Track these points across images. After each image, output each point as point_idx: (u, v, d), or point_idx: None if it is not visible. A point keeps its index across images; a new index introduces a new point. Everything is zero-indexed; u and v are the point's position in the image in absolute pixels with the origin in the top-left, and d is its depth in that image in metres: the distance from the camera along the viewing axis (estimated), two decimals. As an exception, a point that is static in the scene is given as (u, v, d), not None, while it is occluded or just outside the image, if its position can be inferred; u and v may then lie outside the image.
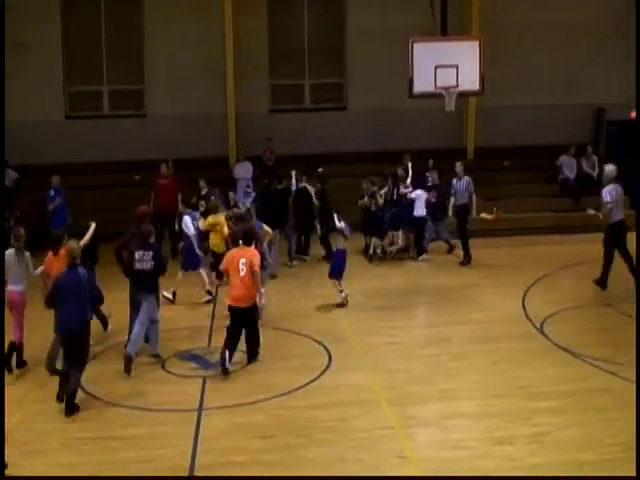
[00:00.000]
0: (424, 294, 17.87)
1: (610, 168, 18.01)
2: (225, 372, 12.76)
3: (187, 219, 17.78)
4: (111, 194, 23.97)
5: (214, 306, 16.91)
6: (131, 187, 24.44)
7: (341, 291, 16.90)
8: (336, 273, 16.97)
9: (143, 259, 13.44)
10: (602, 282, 17.32)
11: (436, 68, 17.56)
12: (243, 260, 13.29)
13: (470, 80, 17.87)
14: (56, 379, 12.00)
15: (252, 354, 13.51)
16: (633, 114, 26.48)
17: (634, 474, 8.71)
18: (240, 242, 13.80)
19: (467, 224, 21.03)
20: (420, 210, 21.01)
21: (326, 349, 13.99)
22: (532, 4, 26.28)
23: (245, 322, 13.35)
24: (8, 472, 9.41)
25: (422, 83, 17.71)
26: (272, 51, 27.04)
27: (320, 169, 22.44)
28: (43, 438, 10.73)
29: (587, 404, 11.35)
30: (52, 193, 21.66)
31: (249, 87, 26.29)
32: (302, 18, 27.30)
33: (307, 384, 12.40)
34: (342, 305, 16.80)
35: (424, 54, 17.65)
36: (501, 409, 11.29)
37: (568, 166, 25.69)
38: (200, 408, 11.60)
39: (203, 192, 21.20)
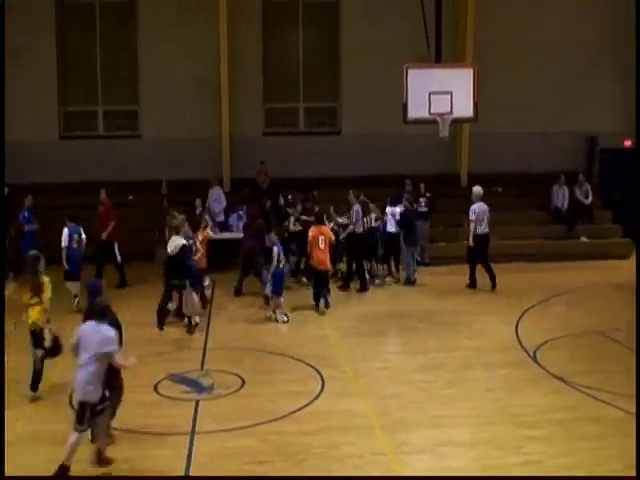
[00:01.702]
0: (418, 319, 17.83)
1: (476, 189, 21.02)
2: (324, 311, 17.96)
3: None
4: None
5: (207, 327, 16.87)
6: (125, 207, 24.43)
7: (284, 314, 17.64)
8: (277, 291, 17.52)
9: None
10: (472, 283, 20.56)
11: (430, 94, 17.65)
12: (322, 237, 18.53)
13: (464, 107, 17.96)
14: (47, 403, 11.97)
15: (326, 303, 18.43)
16: (626, 142, 26.68)
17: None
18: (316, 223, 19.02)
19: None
20: (391, 227, 21.30)
21: (319, 374, 13.96)
22: (526, 30, 26.42)
23: (325, 281, 18.72)
24: None
25: (416, 109, 17.79)
26: (266, 74, 27.10)
27: (315, 192, 22.50)
28: (33, 460, 10.64)
29: (578, 432, 11.35)
30: (26, 214, 21.32)
31: (243, 110, 26.36)
32: (297, 43, 27.40)
33: (300, 409, 12.36)
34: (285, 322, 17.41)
35: (418, 80, 17.74)
36: (494, 436, 11.28)
37: (559, 195, 25.76)
38: (192, 432, 11.53)
39: (197, 211, 21.56)
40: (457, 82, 17.96)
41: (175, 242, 16.92)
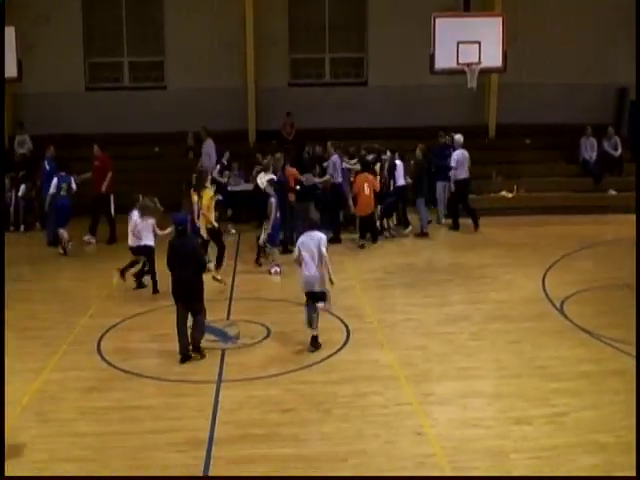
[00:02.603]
0: (443, 272, 17.82)
1: (458, 136, 22.03)
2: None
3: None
4: (130, 166, 24.01)
5: (233, 279, 16.89)
6: (150, 159, 24.51)
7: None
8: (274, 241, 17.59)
9: None
10: (455, 225, 21.85)
11: (458, 44, 17.50)
12: (366, 184, 19.60)
13: (492, 57, 17.86)
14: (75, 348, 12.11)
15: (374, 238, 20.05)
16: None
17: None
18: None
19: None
20: (400, 179, 21.21)
21: (344, 324, 14.00)
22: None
23: (371, 224, 20.09)
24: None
25: (444, 59, 17.71)
26: (292, 25, 26.95)
27: (341, 144, 22.40)
28: (62, 407, 10.76)
29: (604, 386, 11.30)
30: (47, 165, 21.30)
31: (269, 61, 26.24)
32: (323, -9, 27.15)
33: (325, 359, 12.41)
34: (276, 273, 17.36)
35: (446, 30, 17.64)
36: (519, 389, 11.27)
37: (587, 147, 25.52)
38: (219, 380, 11.62)
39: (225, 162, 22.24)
40: (485, 31, 17.87)
41: (265, 178, 18.49)
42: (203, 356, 12.41)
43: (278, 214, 17.58)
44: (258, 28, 25.72)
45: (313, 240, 12.83)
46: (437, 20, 17.72)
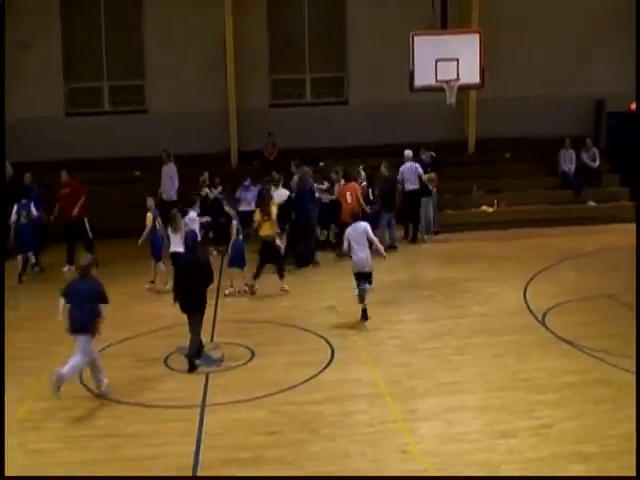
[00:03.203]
0: (426, 288, 17.87)
1: (407, 152, 22.49)
2: None
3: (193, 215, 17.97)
4: (112, 190, 24.02)
5: (216, 301, 16.92)
6: (132, 183, 24.48)
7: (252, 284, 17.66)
8: (239, 262, 17.58)
9: None
10: (407, 236, 22.51)
11: (437, 61, 17.65)
12: (349, 192, 20.22)
13: (470, 73, 17.99)
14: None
15: None
16: (633, 106, 26.51)
17: (635, 465, 8.73)
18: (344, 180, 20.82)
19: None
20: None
21: (328, 343, 14.01)
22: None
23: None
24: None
25: (423, 76, 17.84)
26: (272, 46, 27.02)
27: (321, 163, 22.47)
28: (45, 437, 10.72)
29: (588, 396, 11.37)
30: (35, 190, 21.15)
31: (249, 82, 26.29)
32: (302, 12, 27.26)
33: (310, 379, 12.41)
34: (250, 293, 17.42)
35: (425, 47, 17.77)
36: (504, 402, 11.31)
37: (566, 159, 25.68)
38: (203, 404, 11.60)
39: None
40: (463, 48, 18.02)
41: (277, 192, 19.80)
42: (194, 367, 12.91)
43: (241, 236, 17.71)
44: (238, 50, 25.76)
45: (359, 230, 15.33)
46: (415, 38, 17.86)
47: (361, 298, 15.12)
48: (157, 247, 18.06)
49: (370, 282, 15.29)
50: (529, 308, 15.73)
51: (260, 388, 12.04)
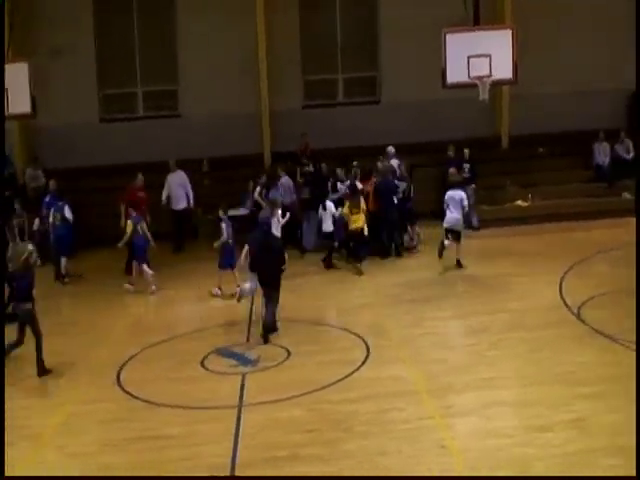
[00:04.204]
0: (459, 284, 17.91)
1: (389, 148, 22.73)
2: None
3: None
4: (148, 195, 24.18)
5: (252, 302, 17.00)
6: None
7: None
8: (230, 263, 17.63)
9: None
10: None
11: (469, 58, 17.59)
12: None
13: (503, 69, 17.90)
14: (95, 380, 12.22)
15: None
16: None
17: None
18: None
19: None
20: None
21: (364, 342, 14.03)
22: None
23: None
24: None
25: (455, 73, 17.79)
26: (304, 46, 27.01)
27: (355, 162, 22.48)
28: (84, 440, 10.84)
29: (625, 389, 11.21)
30: (47, 199, 21.03)
31: (282, 84, 26.35)
32: (334, 12, 27.23)
33: (346, 377, 12.45)
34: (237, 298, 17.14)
35: (457, 44, 17.71)
36: (540, 396, 11.29)
37: (600, 152, 25.52)
38: (240, 405, 11.68)
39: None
40: (496, 44, 17.91)
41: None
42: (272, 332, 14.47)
43: (231, 240, 17.76)
44: (270, 52, 25.83)
45: (456, 196, 18.76)
46: (447, 35, 17.81)
47: (439, 253, 18.61)
48: (140, 250, 18.36)
49: (459, 240, 18.79)
50: (565, 302, 15.66)
51: (296, 387, 12.09)
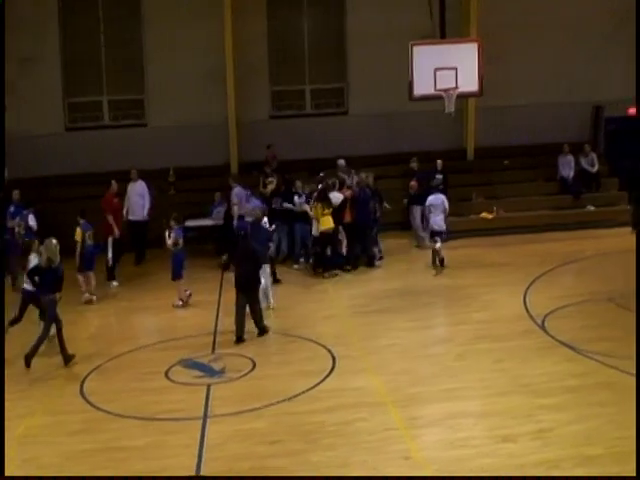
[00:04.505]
0: (425, 295, 17.90)
1: (340, 161, 22.90)
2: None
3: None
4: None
5: (217, 311, 16.96)
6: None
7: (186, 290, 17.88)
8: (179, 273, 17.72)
9: None
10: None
11: (435, 71, 17.68)
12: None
13: (469, 81, 18.03)
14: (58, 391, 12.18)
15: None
16: (631, 110, 26.56)
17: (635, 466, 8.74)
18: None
19: None
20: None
21: (330, 352, 14.02)
22: (531, 3, 26.27)
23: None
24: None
25: (422, 86, 17.88)
26: (272, 57, 26.99)
27: (321, 174, 22.51)
28: (48, 452, 10.72)
29: (590, 399, 11.39)
30: (12, 209, 20.58)
31: (250, 94, 26.33)
32: (301, 23, 27.28)
33: (311, 388, 12.43)
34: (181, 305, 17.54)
35: (424, 57, 17.82)
36: (505, 407, 11.32)
37: (565, 165, 25.74)
38: (205, 416, 11.61)
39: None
40: (462, 57, 18.05)
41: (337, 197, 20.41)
42: (266, 331, 15.25)
43: (179, 250, 17.77)
44: (238, 62, 25.81)
45: (437, 200, 20.07)
46: (414, 48, 17.91)
47: (434, 260, 19.88)
48: (88, 259, 18.26)
49: (442, 239, 19.91)
50: (529, 313, 15.77)
51: (261, 398, 12.05)
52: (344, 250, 20.44)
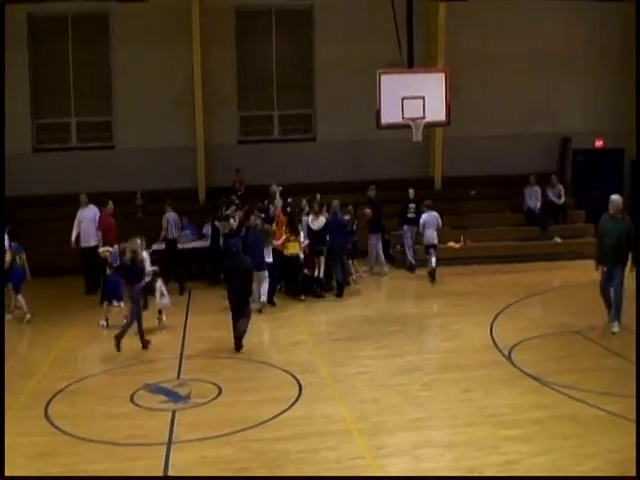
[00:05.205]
0: (393, 323, 17.86)
1: (273, 186, 22.97)
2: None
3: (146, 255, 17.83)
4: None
5: (183, 336, 16.86)
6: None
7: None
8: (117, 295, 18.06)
9: None
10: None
11: (403, 99, 17.73)
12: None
13: (436, 111, 18.06)
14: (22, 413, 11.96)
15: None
16: (598, 142, 26.90)
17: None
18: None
19: None
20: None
21: (296, 380, 13.96)
22: (497, 35, 26.65)
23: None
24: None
25: (389, 114, 17.88)
26: (240, 83, 27.15)
27: (289, 199, 22.52)
28: (9, 474, 10.53)
29: (555, 431, 11.38)
30: None
31: (218, 119, 26.37)
32: (270, 50, 27.44)
33: (277, 415, 12.34)
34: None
35: (391, 86, 17.82)
36: (471, 438, 11.29)
37: (532, 196, 25.94)
38: (169, 442, 11.48)
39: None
40: (429, 87, 18.08)
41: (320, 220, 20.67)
42: (241, 348, 15.73)
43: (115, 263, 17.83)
44: (206, 86, 25.88)
45: (431, 217, 21.90)
46: (382, 77, 17.97)
47: (430, 268, 21.48)
48: (17, 280, 18.50)
49: (434, 252, 21.67)
50: (495, 344, 15.80)
51: (227, 425, 11.94)
52: (321, 274, 20.48)
